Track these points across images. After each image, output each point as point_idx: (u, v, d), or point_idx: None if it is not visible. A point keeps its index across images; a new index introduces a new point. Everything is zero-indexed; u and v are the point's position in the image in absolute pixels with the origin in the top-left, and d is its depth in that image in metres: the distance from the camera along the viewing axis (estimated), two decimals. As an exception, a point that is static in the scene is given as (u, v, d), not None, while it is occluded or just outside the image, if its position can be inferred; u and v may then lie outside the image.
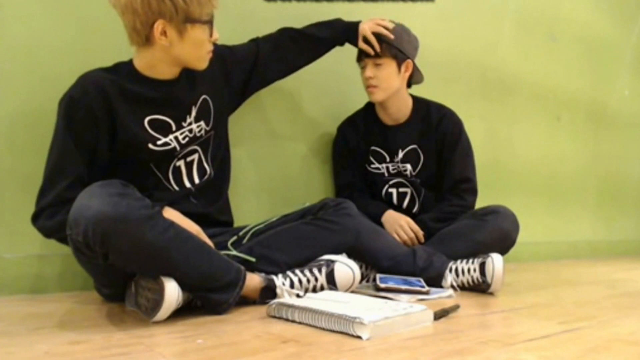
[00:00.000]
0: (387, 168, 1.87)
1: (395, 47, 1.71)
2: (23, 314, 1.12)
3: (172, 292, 1.01)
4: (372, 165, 1.88)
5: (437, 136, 1.84)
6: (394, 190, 1.88)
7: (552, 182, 2.91)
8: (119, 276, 1.14)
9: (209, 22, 1.24)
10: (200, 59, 1.29)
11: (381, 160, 1.87)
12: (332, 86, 2.00)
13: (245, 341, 0.89)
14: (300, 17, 1.87)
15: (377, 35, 1.70)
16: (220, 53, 1.44)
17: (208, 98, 1.40)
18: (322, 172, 1.95)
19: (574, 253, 2.97)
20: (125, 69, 1.27)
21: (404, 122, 1.85)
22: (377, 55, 1.70)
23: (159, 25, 1.18)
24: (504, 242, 1.71)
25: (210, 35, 1.26)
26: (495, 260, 1.48)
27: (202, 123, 1.38)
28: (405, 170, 1.85)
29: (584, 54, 3.10)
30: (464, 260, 1.58)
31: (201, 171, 1.40)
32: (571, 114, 3.03)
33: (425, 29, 2.28)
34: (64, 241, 1.09)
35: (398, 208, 1.86)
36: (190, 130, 1.35)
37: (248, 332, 0.95)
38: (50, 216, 1.15)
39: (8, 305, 1.22)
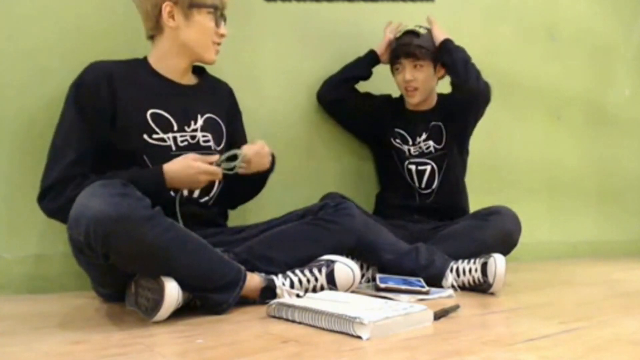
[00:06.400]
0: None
1: (432, 50, 1.80)
2: (23, 314, 1.12)
3: (172, 292, 1.01)
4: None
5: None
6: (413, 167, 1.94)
7: (552, 182, 2.91)
8: (119, 276, 1.14)
9: (214, 9, 1.29)
10: (206, 47, 1.32)
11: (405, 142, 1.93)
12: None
13: (245, 341, 0.89)
14: (300, 17, 1.87)
15: (411, 40, 1.78)
16: (234, 104, 1.52)
17: (219, 120, 1.42)
18: (321, 174, 1.95)
19: (574, 253, 2.97)
20: (138, 62, 1.35)
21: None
22: (417, 58, 1.76)
23: (166, 7, 1.27)
24: (506, 243, 1.71)
25: (217, 26, 1.30)
26: (498, 261, 1.47)
27: (209, 136, 1.38)
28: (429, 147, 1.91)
29: (584, 54, 3.10)
30: (466, 260, 1.57)
31: (205, 191, 1.35)
32: (571, 113, 3.03)
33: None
34: (65, 222, 1.11)
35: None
36: (193, 137, 1.34)
37: (248, 332, 0.95)
38: (54, 198, 1.18)
39: (8, 305, 1.22)
